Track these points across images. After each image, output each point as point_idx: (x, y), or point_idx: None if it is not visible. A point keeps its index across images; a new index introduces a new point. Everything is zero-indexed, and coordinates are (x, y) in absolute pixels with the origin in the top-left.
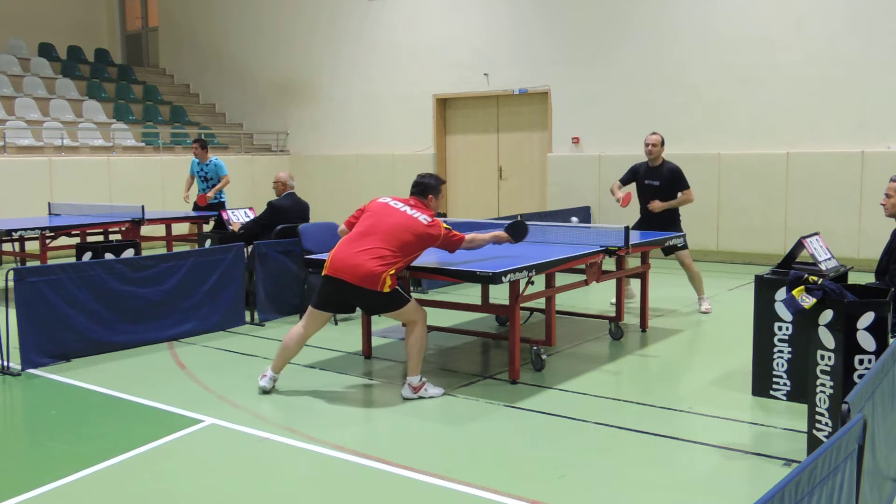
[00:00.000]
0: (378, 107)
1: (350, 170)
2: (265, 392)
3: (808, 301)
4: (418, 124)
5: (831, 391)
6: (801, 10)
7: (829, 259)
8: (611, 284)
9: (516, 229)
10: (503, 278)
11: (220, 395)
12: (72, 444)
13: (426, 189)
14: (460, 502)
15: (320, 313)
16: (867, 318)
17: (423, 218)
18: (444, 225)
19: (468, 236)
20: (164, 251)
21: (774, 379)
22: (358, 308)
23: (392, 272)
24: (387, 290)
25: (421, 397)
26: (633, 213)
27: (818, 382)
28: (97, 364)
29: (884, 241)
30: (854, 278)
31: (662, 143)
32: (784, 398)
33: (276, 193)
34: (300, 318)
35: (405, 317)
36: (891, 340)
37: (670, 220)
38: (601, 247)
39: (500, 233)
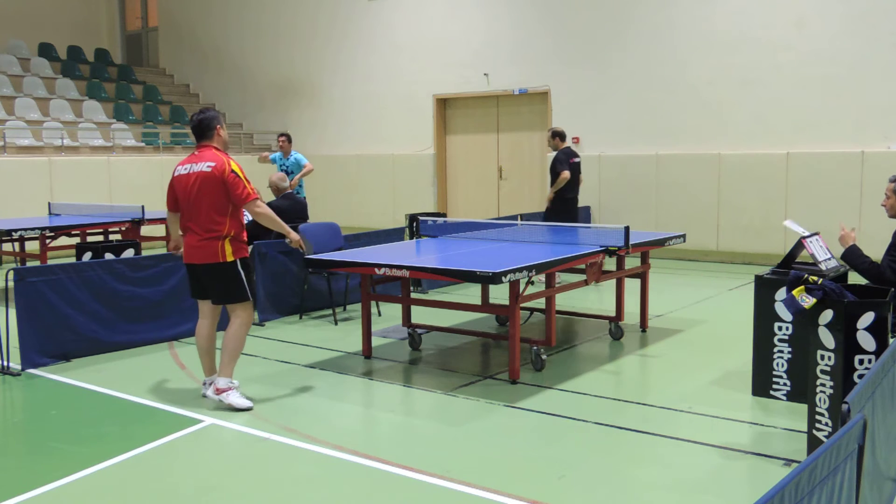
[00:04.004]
0: (378, 107)
1: (350, 170)
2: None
3: (808, 301)
4: (418, 124)
5: (831, 391)
6: (801, 10)
7: (829, 259)
8: (608, 285)
9: (305, 244)
10: (503, 278)
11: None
12: (72, 444)
13: (209, 123)
14: (460, 502)
15: (202, 301)
16: (867, 318)
17: (207, 165)
18: (234, 167)
19: (265, 207)
20: (164, 251)
21: (774, 379)
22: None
23: (226, 239)
24: (230, 258)
25: (221, 401)
26: (630, 212)
27: (818, 382)
28: (97, 364)
29: (884, 242)
30: (854, 278)
31: (553, 137)
32: (784, 398)
33: (273, 195)
34: (300, 317)
35: (236, 310)
36: (891, 340)
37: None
38: (601, 247)
39: (296, 235)
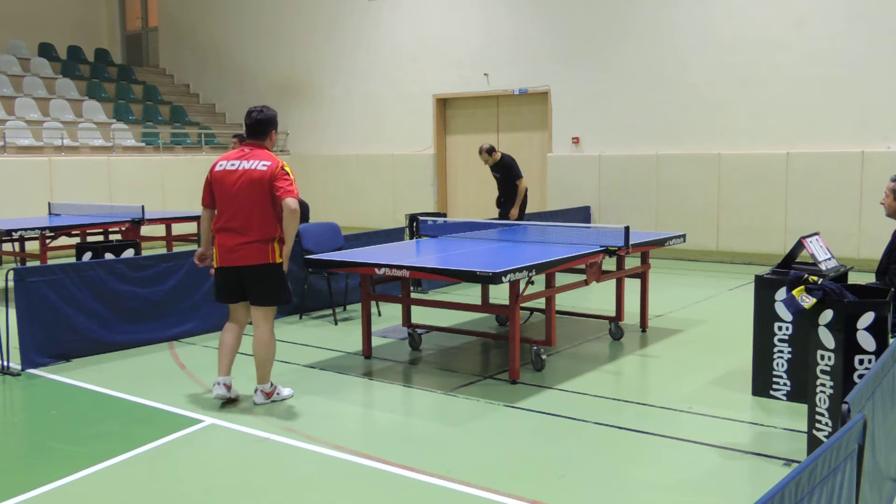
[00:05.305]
0: (378, 107)
1: (350, 170)
2: (224, 399)
3: (808, 301)
4: (418, 124)
5: (831, 391)
6: (801, 10)
7: (829, 259)
8: (608, 284)
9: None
10: (503, 278)
11: None
12: (72, 444)
13: (268, 125)
14: (460, 502)
15: (236, 305)
16: (867, 318)
17: (262, 164)
18: (286, 167)
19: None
20: (164, 251)
21: (774, 379)
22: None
23: (276, 241)
24: (278, 259)
25: (274, 401)
26: (630, 212)
27: (818, 382)
28: (97, 364)
29: (884, 241)
30: (854, 278)
31: (490, 152)
32: (784, 398)
33: None
34: (300, 317)
35: (268, 315)
36: (891, 340)
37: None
38: (601, 247)
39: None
